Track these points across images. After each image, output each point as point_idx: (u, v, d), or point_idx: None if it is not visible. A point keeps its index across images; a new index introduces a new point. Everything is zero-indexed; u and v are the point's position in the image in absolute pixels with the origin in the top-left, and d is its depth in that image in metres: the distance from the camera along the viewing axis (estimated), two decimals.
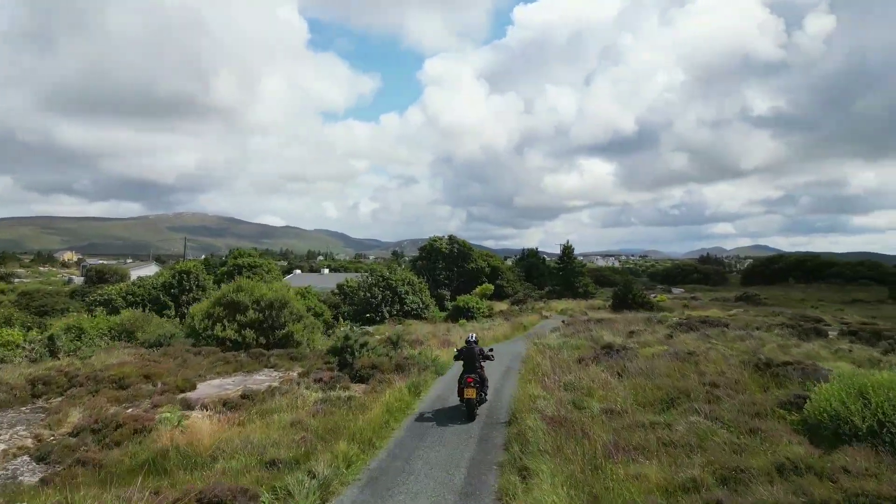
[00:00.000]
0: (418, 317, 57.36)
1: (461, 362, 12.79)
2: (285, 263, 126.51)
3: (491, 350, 13.77)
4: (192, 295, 61.06)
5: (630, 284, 50.84)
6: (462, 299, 60.29)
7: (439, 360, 19.78)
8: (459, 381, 12.06)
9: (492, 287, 72.29)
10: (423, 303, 59.51)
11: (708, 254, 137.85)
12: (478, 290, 72.30)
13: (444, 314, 63.30)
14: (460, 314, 58.77)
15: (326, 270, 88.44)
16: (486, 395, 12.71)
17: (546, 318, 44.85)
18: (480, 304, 60.20)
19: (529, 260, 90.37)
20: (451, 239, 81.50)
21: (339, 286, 63.53)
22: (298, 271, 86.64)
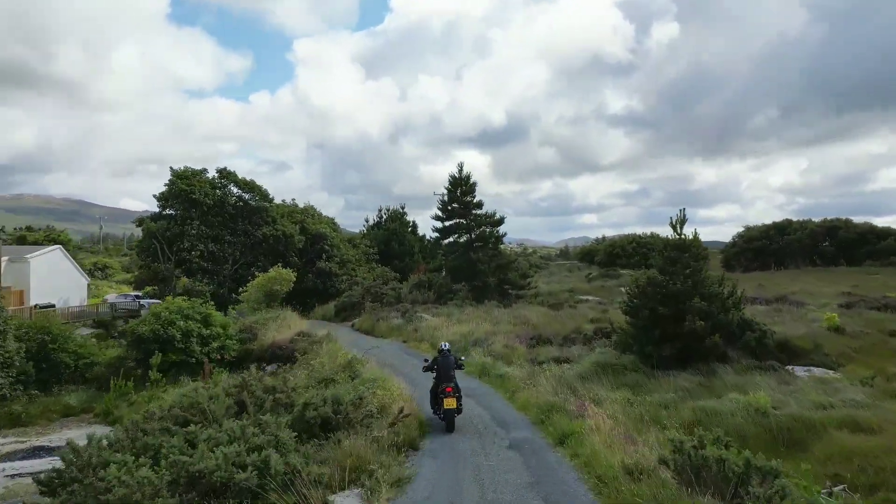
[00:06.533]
0: None
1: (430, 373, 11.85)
2: None
3: (462, 358, 12.89)
4: None
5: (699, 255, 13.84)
6: (160, 310, 20.07)
7: None
8: (435, 392, 11.41)
9: (290, 275, 32.17)
10: None
11: (602, 239, 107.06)
12: (258, 280, 32.12)
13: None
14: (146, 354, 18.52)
15: None
16: (461, 404, 11.31)
17: None
18: (219, 329, 20.49)
19: (389, 226, 51.23)
20: (225, 176, 40.13)
21: None
22: None
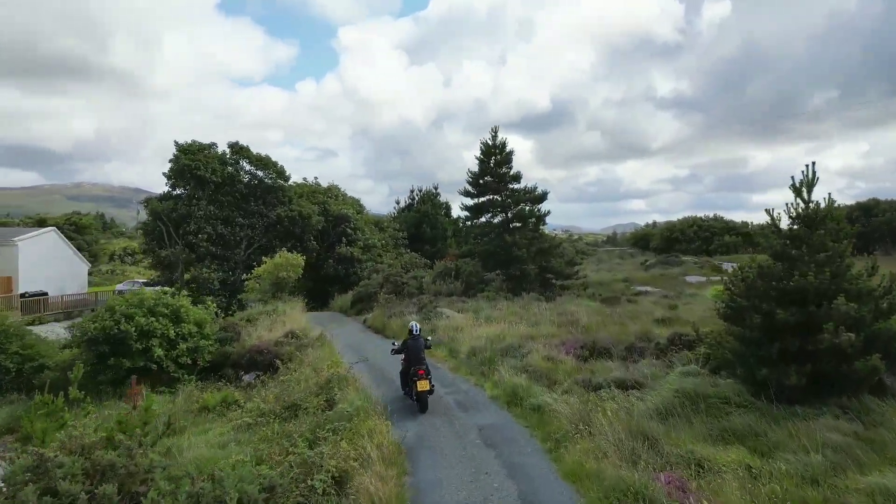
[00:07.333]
0: None
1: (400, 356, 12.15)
2: None
3: (429, 338, 13.24)
4: None
5: None
6: (117, 302, 16.30)
7: None
8: (408, 375, 11.33)
9: (298, 260, 28.20)
10: None
11: (653, 224, 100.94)
12: (263, 268, 28.31)
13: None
14: None
15: None
16: (433, 384, 11.36)
17: None
18: (192, 327, 16.64)
19: (420, 208, 46.92)
20: (237, 151, 36.53)
21: None
22: None
